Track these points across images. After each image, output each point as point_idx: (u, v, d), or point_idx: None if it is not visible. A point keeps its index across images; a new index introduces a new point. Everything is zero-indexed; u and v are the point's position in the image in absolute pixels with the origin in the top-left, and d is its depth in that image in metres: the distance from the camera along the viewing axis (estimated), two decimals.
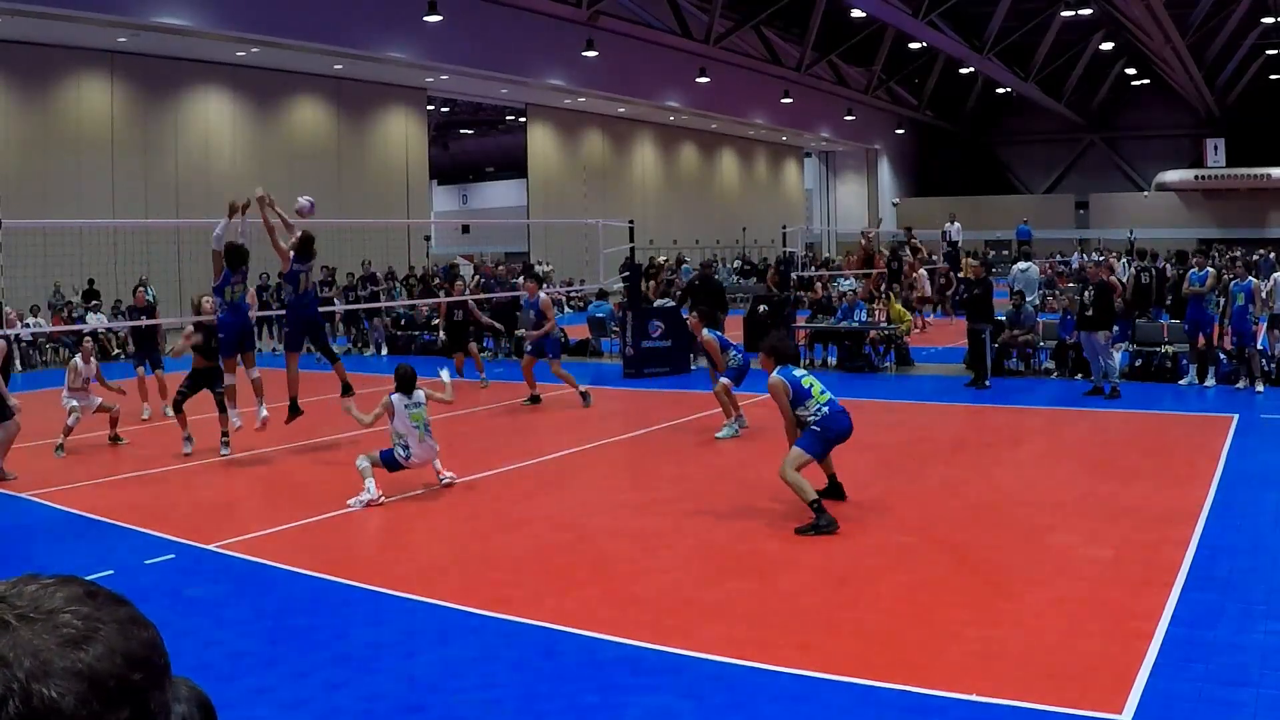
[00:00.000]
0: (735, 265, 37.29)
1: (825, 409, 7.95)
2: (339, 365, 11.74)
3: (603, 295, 21.22)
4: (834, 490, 8.21)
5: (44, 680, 0.72)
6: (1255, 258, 29.13)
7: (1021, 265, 20.86)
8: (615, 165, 39.32)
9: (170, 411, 11.48)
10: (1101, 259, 20.81)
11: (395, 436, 8.63)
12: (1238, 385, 13.61)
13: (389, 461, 8.62)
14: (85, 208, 22.85)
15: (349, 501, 8.35)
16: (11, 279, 16.27)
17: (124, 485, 9.37)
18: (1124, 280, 23.27)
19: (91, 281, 22.12)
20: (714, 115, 38.75)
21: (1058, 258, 33.13)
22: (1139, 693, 4.52)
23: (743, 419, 11.43)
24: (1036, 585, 6.13)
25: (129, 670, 0.75)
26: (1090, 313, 13.51)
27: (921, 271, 24.81)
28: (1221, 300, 14.68)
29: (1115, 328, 14.11)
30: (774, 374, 8.02)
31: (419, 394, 8.77)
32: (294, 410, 11.32)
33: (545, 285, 24.50)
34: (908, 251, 25.51)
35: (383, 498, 8.40)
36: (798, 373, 8.13)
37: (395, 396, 8.68)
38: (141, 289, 15.21)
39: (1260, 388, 13.33)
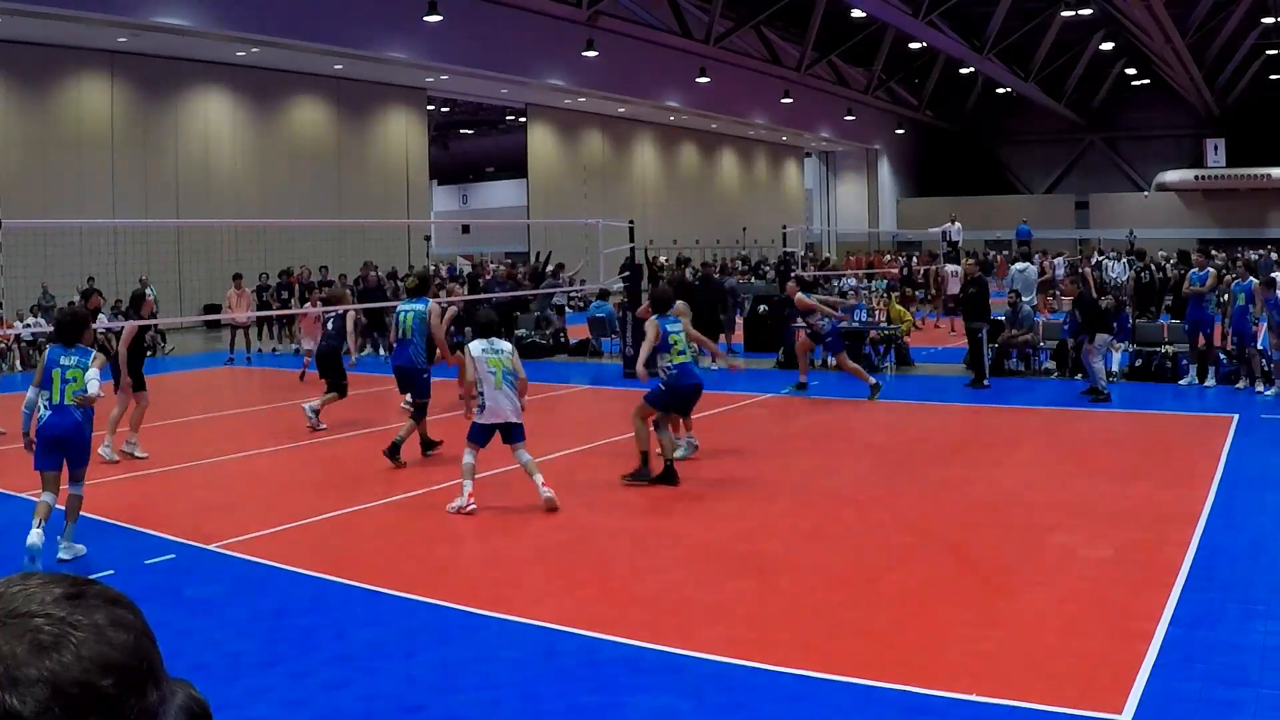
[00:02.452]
0: (735, 266, 37.29)
1: (674, 369, 9.08)
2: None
3: (604, 295, 21.23)
4: (667, 475, 8.93)
5: (9, 686, 0.71)
6: (1255, 258, 29.12)
7: (1020, 265, 20.82)
8: (615, 165, 39.32)
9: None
10: (1087, 259, 20.65)
11: (471, 390, 8.21)
12: (1237, 385, 13.62)
13: (476, 437, 8.16)
14: (85, 208, 22.86)
15: (448, 507, 8.06)
16: (11, 279, 16.28)
17: (124, 485, 9.37)
18: (1124, 280, 23.31)
19: (91, 280, 22.11)
20: (714, 115, 38.75)
21: (1035, 259, 32.86)
22: (1139, 693, 4.52)
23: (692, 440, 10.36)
24: (1036, 585, 6.13)
25: (98, 677, 0.74)
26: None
27: (949, 269, 24.44)
28: (1223, 298, 14.71)
29: (1114, 329, 14.19)
30: (653, 318, 9.31)
31: (502, 343, 8.35)
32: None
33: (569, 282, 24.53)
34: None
35: (472, 505, 7.97)
36: (672, 326, 9.19)
37: (473, 344, 8.32)
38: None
39: (1268, 390, 13.18)
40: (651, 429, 9.05)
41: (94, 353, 7.14)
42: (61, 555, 6.97)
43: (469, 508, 7.97)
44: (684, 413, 9.71)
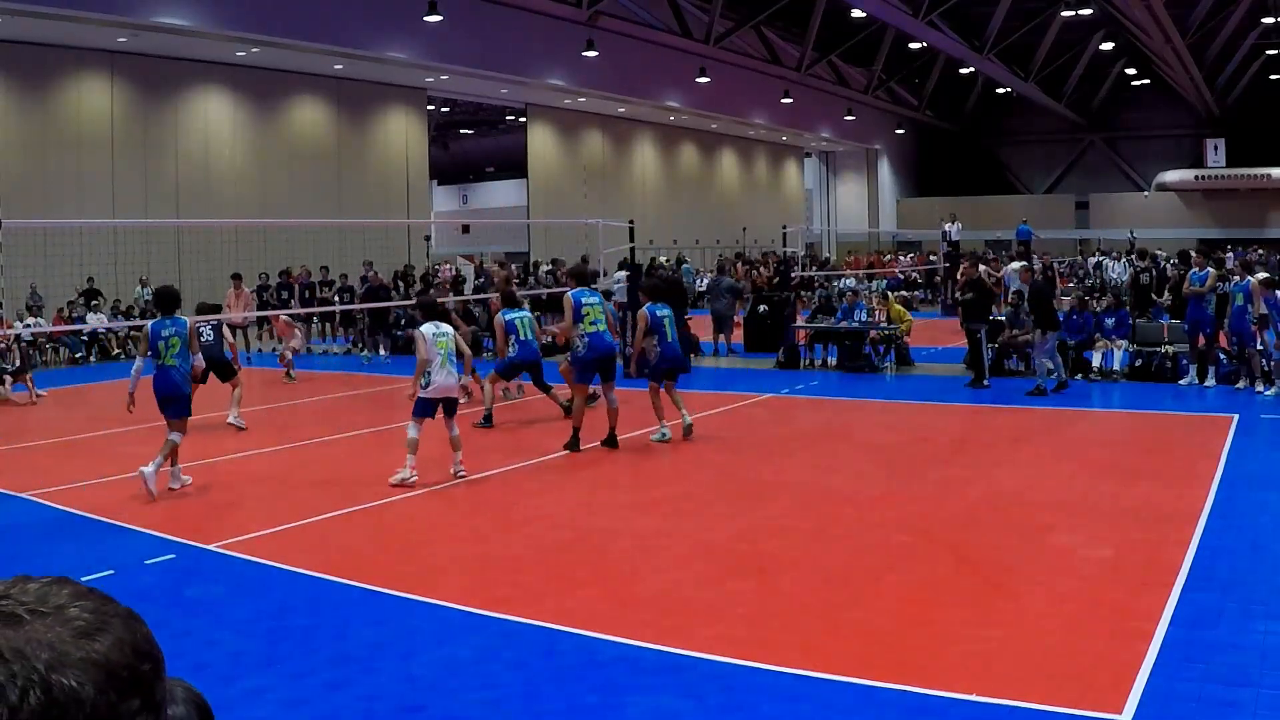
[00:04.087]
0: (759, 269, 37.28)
1: (587, 338, 10.32)
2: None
3: (605, 295, 21.22)
4: (609, 440, 10.46)
5: (62, 670, 0.74)
6: (1254, 258, 29.14)
7: (1015, 266, 20.75)
8: (615, 165, 39.30)
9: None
10: (1026, 264, 20.28)
11: (424, 369, 8.96)
12: (1237, 385, 13.62)
13: (421, 410, 8.98)
14: (85, 208, 22.85)
15: (390, 480, 8.90)
16: (11, 279, 16.28)
17: (124, 485, 9.36)
18: (1124, 281, 23.29)
19: (91, 280, 22.14)
20: (714, 115, 38.73)
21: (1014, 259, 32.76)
22: (1139, 693, 4.52)
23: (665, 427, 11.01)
24: (1036, 585, 6.13)
25: (138, 660, 0.78)
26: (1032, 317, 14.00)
27: (1012, 266, 23.47)
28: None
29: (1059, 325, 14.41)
30: (571, 291, 10.61)
31: (446, 326, 9.24)
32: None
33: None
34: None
35: (414, 476, 8.87)
36: (588, 299, 10.50)
37: (425, 326, 9.13)
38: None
39: (1268, 389, 13.16)
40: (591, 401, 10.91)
41: (187, 322, 9.18)
42: (172, 485, 8.97)
43: (410, 479, 8.85)
44: (607, 377, 10.75)
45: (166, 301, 9.29)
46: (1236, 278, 14.14)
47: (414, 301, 12.93)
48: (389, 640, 5.50)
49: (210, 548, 7.23)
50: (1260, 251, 34.30)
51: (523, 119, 36.63)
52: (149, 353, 9.02)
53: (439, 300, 11.17)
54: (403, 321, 20.47)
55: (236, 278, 19.44)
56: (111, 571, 6.64)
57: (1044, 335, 13.81)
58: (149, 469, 8.63)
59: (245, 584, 6.52)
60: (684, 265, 34.08)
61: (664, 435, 10.98)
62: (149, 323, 9.26)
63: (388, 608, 6.00)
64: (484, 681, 4.93)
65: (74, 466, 10.39)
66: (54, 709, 0.72)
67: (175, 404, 8.94)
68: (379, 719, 4.61)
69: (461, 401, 9.56)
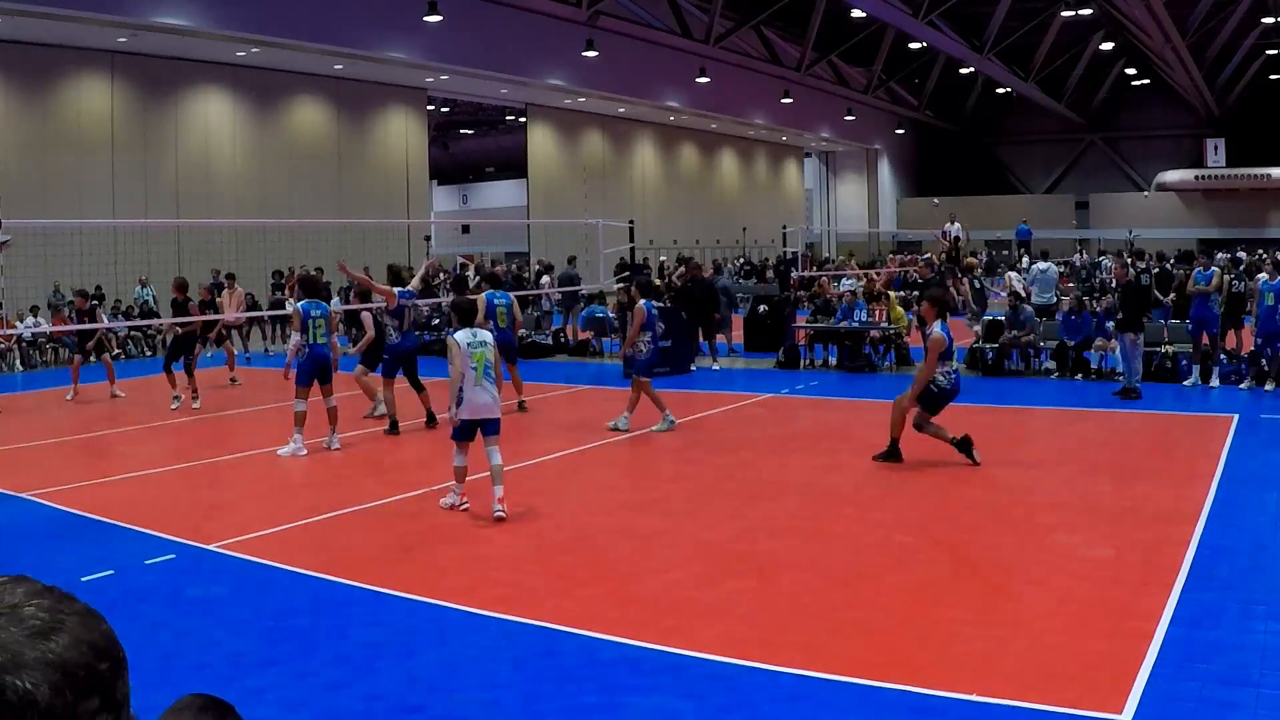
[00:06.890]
0: (736, 265, 37.28)
1: (954, 375, 9.47)
2: (424, 395, 12.29)
3: (601, 298, 21.15)
4: (964, 446, 9.41)
5: (16, 672, 0.72)
6: (1258, 257, 29.10)
7: (1041, 265, 20.66)
8: (615, 165, 39.29)
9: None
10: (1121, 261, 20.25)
11: (458, 386, 7.73)
12: (1240, 385, 13.61)
13: (459, 435, 7.93)
14: (85, 208, 22.84)
15: (440, 502, 8.19)
16: (11, 279, 16.28)
17: (124, 485, 9.37)
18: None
19: (99, 288, 22.17)
20: (714, 115, 38.73)
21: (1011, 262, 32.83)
22: (1139, 693, 4.52)
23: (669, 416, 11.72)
24: (1036, 585, 6.13)
25: (96, 660, 0.76)
26: (1120, 315, 13.47)
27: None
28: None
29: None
30: (937, 328, 9.30)
31: (484, 334, 7.99)
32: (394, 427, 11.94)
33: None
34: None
35: (465, 504, 8.09)
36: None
37: (460, 334, 7.85)
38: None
39: None
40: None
41: (329, 308, 10.92)
42: (335, 446, 10.72)
43: (462, 505, 8.12)
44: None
45: (311, 288, 11.26)
46: (1265, 276, 14.04)
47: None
48: (389, 640, 5.50)
49: (210, 548, 7.22)
50: (1261, 252, 34.30)
51: (523, 119, 36.63)
52: (301, 331, 10.63)
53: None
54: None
55: (230, 278, 19.47)
56: (111, 571, 6.64)
57: (1135, 337, 13.40)
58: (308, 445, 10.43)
59: (245, 584, 6.52)
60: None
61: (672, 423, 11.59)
62: (300, 304, 10.88)
63: (388, 608, 6.00)
64: (484, 681, 4.93)
65: (74, 466, 10.39)
66: (7, 711, 0.71)
67: (328, 372, 10.73)
68: (379, 719, 4.61)
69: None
